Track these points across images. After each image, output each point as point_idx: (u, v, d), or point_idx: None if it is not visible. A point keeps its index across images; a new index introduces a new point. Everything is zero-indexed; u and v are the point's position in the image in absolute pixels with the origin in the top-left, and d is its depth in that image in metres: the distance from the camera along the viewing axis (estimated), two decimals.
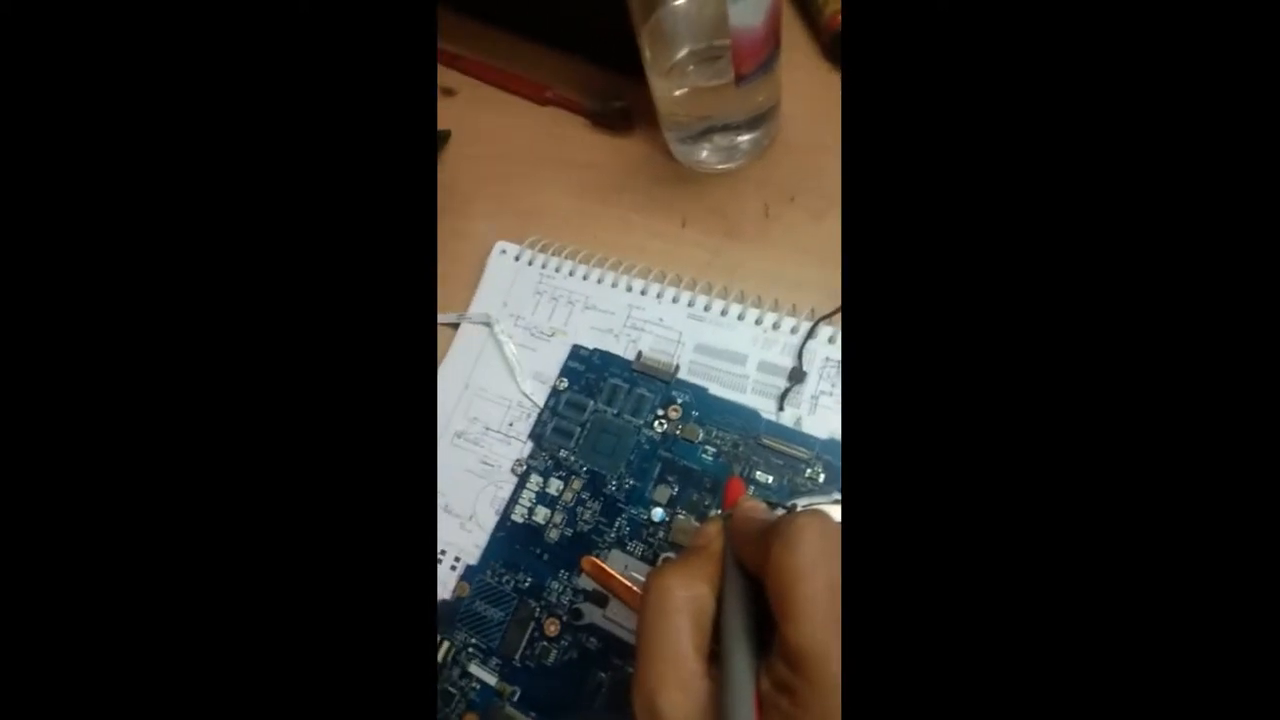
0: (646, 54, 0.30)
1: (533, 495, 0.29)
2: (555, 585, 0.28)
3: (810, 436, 0.27)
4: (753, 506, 0.20)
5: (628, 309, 0.32)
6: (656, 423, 0.29)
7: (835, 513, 0.25)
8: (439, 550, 0.29)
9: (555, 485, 0.29)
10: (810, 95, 0.34)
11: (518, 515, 0.29)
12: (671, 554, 0.27)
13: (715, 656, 0.17)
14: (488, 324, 0.33)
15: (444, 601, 0.28)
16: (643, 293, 0.32)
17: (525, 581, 0.28)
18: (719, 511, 0.26)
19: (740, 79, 0.29)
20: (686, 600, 0.17)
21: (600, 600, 0.27)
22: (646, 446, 0.29)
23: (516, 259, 0.34)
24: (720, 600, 0.18)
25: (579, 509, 0.28)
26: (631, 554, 0.27)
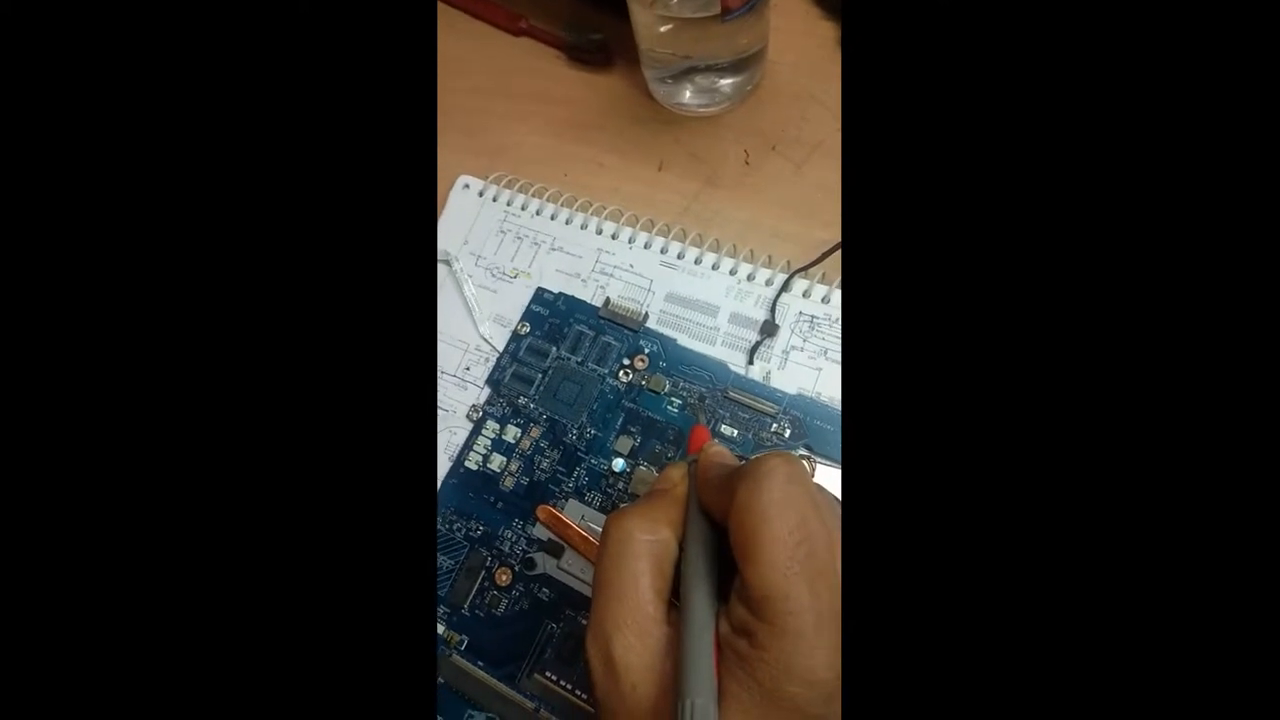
0: None
1: (488, 442, 0.28)
2: (509, 534, 0.27)
3: (778, 391, 0.26)
4: (719, 452, 0.19)
5: (597, 253, 0.30)
6: (622, 372, 0.28)
7: None
8: None
9: (513, 432, 0.28)
10: (798, 43, 0.33)
11: (472, 462, 0.28)
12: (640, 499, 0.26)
13: (675, 601, 0.16)
14: (446, 262, 0.31)
15: None
16: (613, 237, 0.30)
17: (477, 530, 0.27)
18: (684, 457, 0.25)
19: (727, 12, 0.27)
20: (648, 544, 0.17)
21: (555, 550, 0.26)
22: (610, 396, 0.28)
23: (480, 194, 0.32)
24: (682, 545, 0.17)
25: (537, 457, 0.27)
26: (589, 504, 0.26)
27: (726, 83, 0.31)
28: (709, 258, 0.29)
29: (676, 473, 0.19)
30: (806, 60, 0.33)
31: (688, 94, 0.32)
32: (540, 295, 0.30)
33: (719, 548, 0.17)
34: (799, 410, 0.26)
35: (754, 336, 0.27)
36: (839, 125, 0.31)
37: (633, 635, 0.15)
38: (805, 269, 0.28)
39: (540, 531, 0.26)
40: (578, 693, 0.24)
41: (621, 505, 0.26)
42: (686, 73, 0.31)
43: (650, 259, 0.30)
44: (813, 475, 0.25)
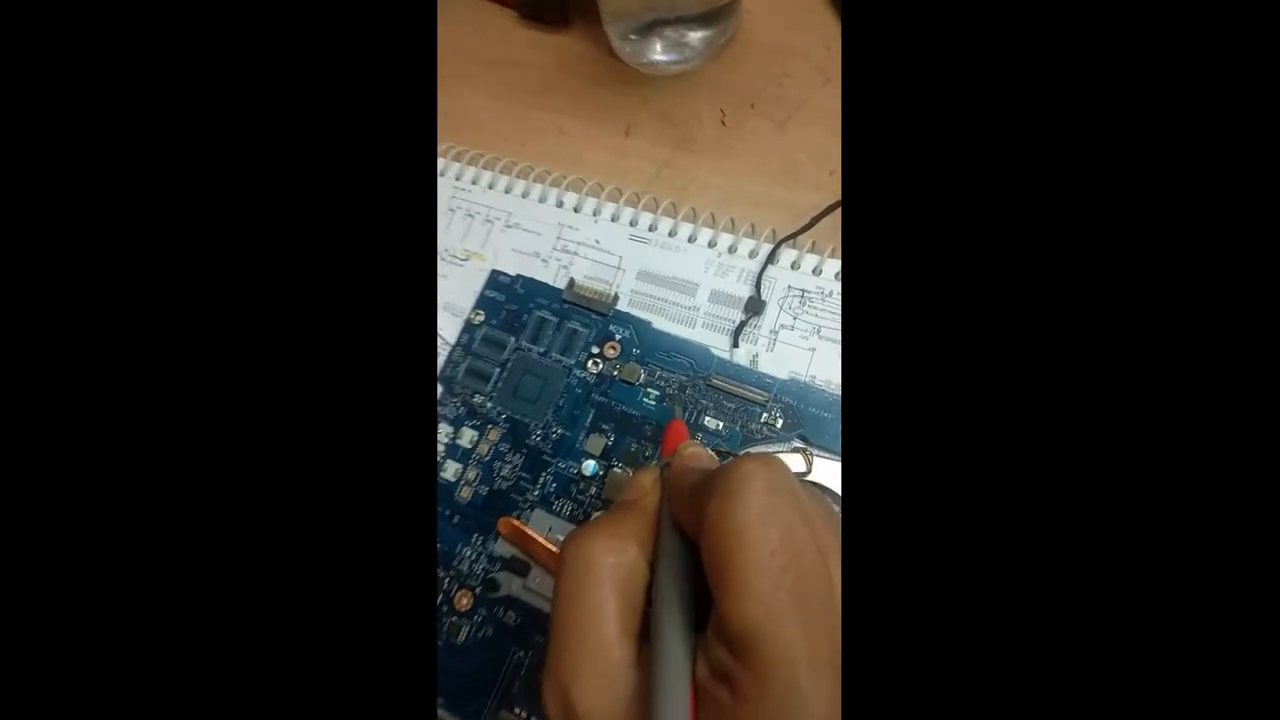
0: None
1: (441, 448, 0.25)
2: (467, 552, 0.23)
3: (767, 376, 0.23)
4: (695, 454, 0.16)
5: (558, 229, 0.27)
6: (590, 362, 0.25)
7: (793, 463, 0.22)
8: None
9: (468, 436, 0.25)
10: None
11: None
12: (604, 514, 0.23)
13: (646, 634, 0.14)
14: None
15: None
16: (576, 210, 0.27)
17: None
18: (657, 460, 0.22)
19: None
20: (612, 569, 0.14)
21: (520, 569, 0.23)
22: (578, 390, 0.25)
23: None
24: (653, 566, 0.14)
25: (496, 463, 0.24)
26: (558, 514, 0.23)
27: (697, 36, 0.28)
28: (684, 229, 0.26)
29: (647, 479, 0.16)
30: (785, 9, 0.30)
31: (656, 50, 0.29)
32: (495, 279, 0.27)
33: (697, 567, 0.14)
34: (791, 396, 0.23)
35: (738, 316, 0.25)
36: (823, 80, 0.28)
37: (597, 681, 0.13)
38: (793, 237, 0.25)
39: (503, 548, 0.23)
40: None
41: (595, 515, 0.23)
42: (652, 26, 0.28)
43: (619, 233, 0.27)
44: (809, 470, 0.22)
